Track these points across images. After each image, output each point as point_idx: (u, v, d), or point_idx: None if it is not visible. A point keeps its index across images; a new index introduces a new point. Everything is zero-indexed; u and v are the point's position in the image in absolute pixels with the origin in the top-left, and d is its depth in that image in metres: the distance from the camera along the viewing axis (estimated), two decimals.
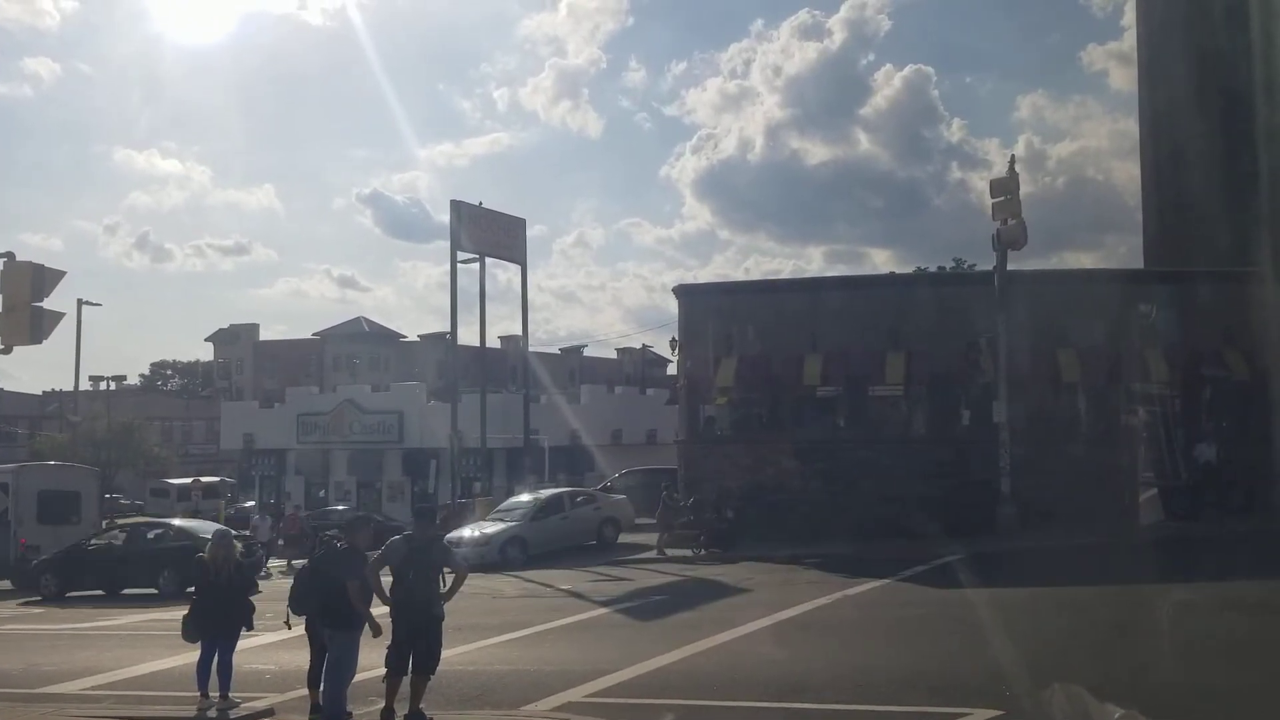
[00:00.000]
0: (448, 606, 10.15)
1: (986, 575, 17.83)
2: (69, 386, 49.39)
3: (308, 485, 47.81)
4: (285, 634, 11.65)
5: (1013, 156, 26.53)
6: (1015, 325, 25.76)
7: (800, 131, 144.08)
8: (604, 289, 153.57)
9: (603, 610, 17.94)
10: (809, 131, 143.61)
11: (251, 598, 12.10)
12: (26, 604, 24.82)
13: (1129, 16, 57.80)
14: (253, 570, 12.17)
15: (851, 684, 10.99)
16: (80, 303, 45.17)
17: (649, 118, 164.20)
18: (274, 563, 30.09)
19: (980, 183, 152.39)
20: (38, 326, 12.80)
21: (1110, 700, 7.53)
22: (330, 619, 10.25)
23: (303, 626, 11.01)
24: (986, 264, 28.18)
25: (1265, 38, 33.30)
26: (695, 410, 30.25)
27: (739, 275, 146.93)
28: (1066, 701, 9.08)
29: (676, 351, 31.63)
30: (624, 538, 29.07)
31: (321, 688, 10.60)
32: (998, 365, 25.58)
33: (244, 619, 11.78)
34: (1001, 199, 25.65)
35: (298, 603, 11.00)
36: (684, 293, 31.42)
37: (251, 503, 50.64)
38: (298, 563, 21.60)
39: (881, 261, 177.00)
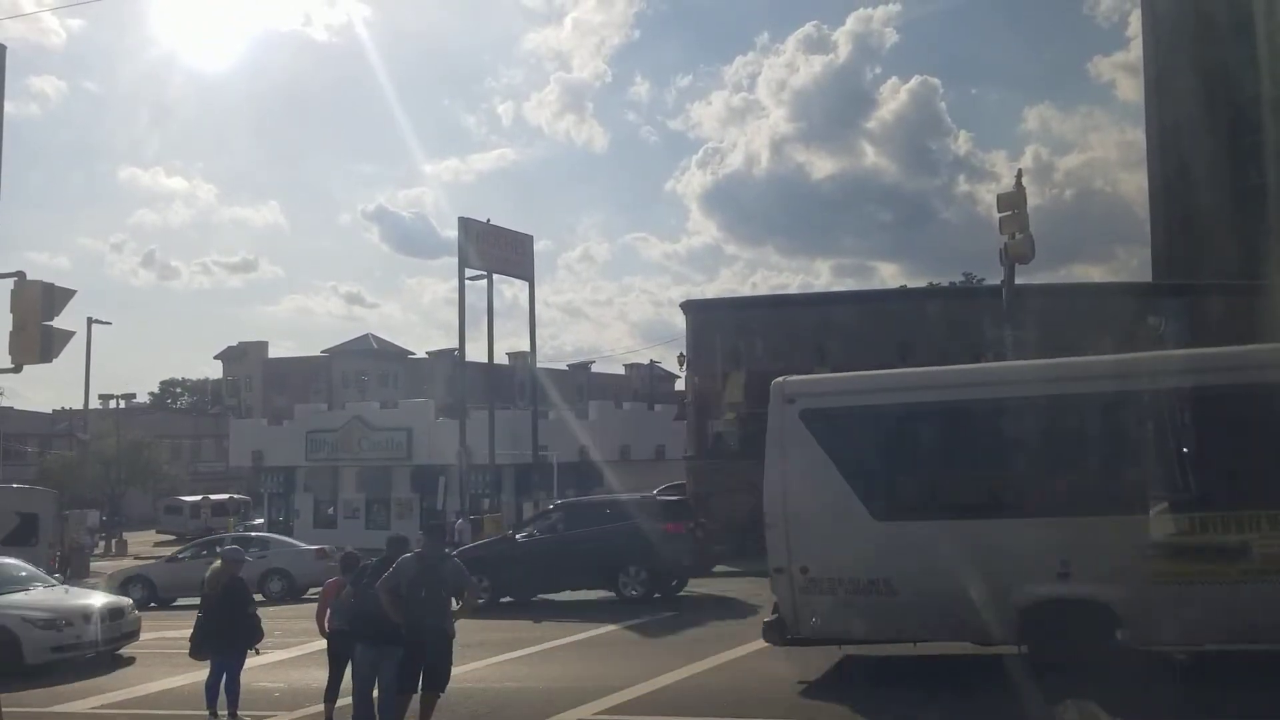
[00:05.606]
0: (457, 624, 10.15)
1: None
2: (79, 405, 49.60)
3: (316, 502, 47.85)
4: (295, 651, 11.64)
5: (1020, 171, 26.41)
6: (1023, 339, 25.67)
7: (806, 145, 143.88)
8: (611, 304, 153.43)
9: (612, 627, 17.88)
10: (815, 145, 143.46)
11: (254, 612, 11.95)
12: None
13: (1134, 27, 57.80)
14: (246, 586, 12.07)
15: (863, 699, 10.94)
16: (90, 321, 45.45)
17: (654, 132, 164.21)
18: None
19: (988, 195, 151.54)
20: (48, 345, 12.81)
21: (1123, 717, 7.49)
22: (383, 637, 10.01)
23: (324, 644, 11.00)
24: (996, 276, 28.08)
25: (1272, 50, 33.31)
26: (704, 426, 30.23)
27: (746, 290, 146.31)
28: (1079, 718, 9.04)
29: (684, 367, 31.64)
30: None
31: (346, 702, 10.58)
32: None
33: (249, 637, 11.70)
34: (1008, 213, 25.52)
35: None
36: (692, 308, 31.46)
37: (261, 520, 50.67)
38: None
39: (889, 275, 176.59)
